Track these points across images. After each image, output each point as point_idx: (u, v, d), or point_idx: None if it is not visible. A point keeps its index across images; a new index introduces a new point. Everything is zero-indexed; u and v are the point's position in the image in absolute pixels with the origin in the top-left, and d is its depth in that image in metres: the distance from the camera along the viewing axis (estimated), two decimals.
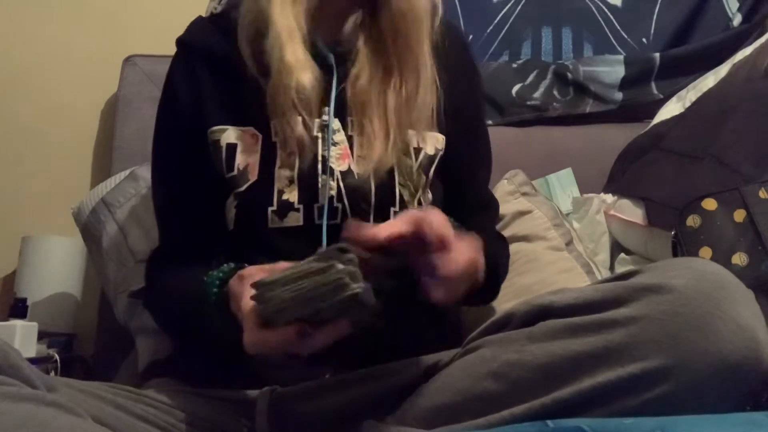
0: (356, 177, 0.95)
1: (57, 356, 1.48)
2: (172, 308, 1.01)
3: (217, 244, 1.00)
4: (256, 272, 0.80)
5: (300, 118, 0.95)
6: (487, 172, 1.15)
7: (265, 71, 0.95)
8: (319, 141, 0.95)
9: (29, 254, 1.69)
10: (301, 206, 0.94)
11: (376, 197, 0.95)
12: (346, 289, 0.70)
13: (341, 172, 0.95)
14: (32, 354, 1.38)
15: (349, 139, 0.97)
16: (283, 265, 0.77)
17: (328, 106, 0.96)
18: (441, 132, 1.02)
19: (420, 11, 0.97)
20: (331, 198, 0.94)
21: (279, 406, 0.90)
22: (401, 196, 0.96)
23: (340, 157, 0.96)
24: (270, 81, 0.94)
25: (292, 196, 0.94)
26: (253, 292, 0.74)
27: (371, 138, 0.94)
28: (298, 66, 0.93)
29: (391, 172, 0.96)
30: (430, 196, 1.01)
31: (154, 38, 1.60)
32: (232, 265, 0.88)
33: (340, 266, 0.70)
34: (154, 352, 1.27)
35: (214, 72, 0.99)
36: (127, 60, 1.73)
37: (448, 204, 1.06)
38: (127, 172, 1.46)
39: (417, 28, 0.96)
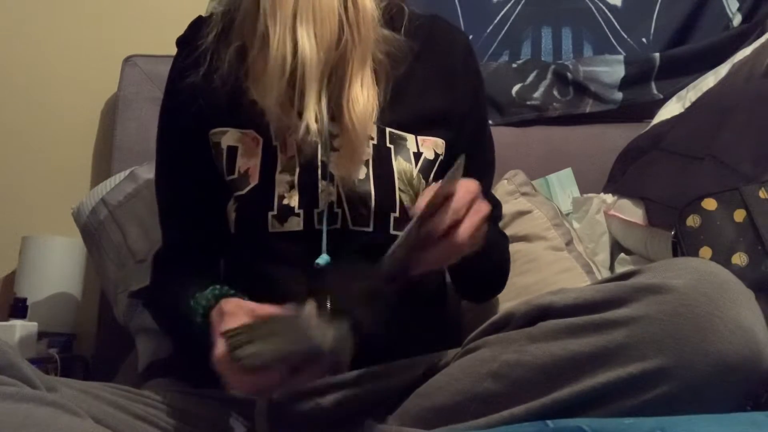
0: (356, 182, 0.95)
1: (57, 356, 1.48)
2: (167, 322, 1.04)
3: (221, 246, 1.00)
4: (234, 309, 0.81)
5: (298, 123, 0.95)
6: (491, 177, 1.15)
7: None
8: (319, 146, 0.95)
9: (29, 254, 1.69)
10: (301, 211, 0.94)
11: (376, 202, 0.94)
12: (318, 339, 0.72)
13: (341, 178, 0.95)
14: (32, 354, 1.38)
15: None
16: (264, 309, 0.80)
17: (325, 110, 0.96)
18: (441, 137, 1.02)
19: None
20: (331, 203, 0.94)
21: (278, 406, 0.90)
22: (401, 201, 0.96)
23: (340, 162, 0.96)
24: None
25: (292, 200, 0.94)
26: (223, 341, 0.75)
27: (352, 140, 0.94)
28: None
29: (391, 177, 0.96)
30: None
31: (154, 38, 1.60)
32: (216, 290, 0.89)
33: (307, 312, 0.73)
34: (154, 352, 1.27)
35: (213, 72, 0.99)
36: (127, 60, 1.73)
37: None
38: (127, 172, 1.46)
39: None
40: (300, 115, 0.91)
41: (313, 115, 0.90)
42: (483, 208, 0.83)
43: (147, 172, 1.40)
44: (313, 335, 0.72)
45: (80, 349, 1.71)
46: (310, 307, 0.74)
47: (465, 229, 0.80)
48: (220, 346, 0.76)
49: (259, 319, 0.77)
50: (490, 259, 1.03)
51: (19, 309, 1.45)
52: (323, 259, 0.90)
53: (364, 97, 0.93)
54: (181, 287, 0.96)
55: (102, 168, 1.79)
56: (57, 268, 1.69)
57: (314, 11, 0.90)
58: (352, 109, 0.92)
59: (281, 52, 0.90)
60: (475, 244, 0.83)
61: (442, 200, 0.78)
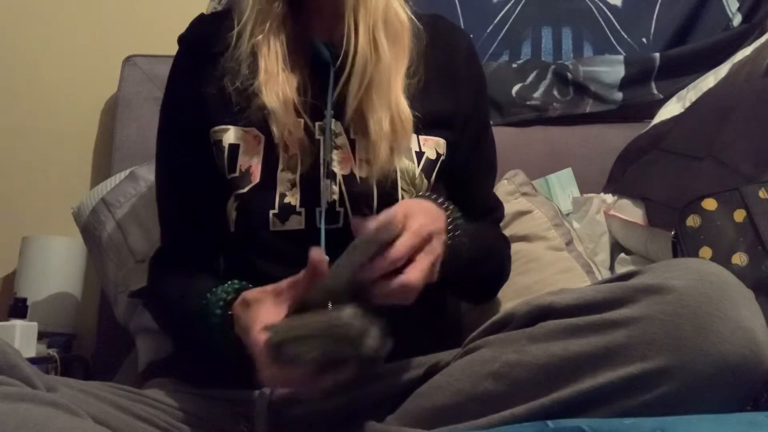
0: (359, 181, 0.95)
1: (57, 356, 1.48)
2: (174, 318, 1.01)
3: (220, 245, 1.00)
4: (259, 295, 0.81)
5: (301, 121, 0.95)
6: (494, 177, 1.15)
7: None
8: (321, 144, 0.95)
9: (29, 254, 1.69)
10: (302, 210, 0.94)
11: (379, 202, 0.94)
12: (362, 338, 0.71)
13: (344, 176, 0.95)
14: (32, 354, 1.38)
15: (351, 142, 0.97)
16: (284, 285, 0.79)
17: (326, 108, 0.96)
18: (443, 137, 1.02)
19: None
20: (333, 202, 0.94)
21: (278, 407, 0.90)
22: (404, 200, 0.95)
23: (342, 161, 0.96)
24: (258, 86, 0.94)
25: (293, 199, 0.94)
26: (262, 334, 0.75)
27: (374, 142, 0.94)
28: (276, 79, 0.94)
29: (393, 176, 0.96)
30: None
31: (154, 38, 1.60)
32: (235, 284, 0.89)
33: (349, 314, 0.71)
34: (154, 352, 1.27)
35: (215, 70, 0.98)
36: (127, 60, 1.73)
37: None
38: (127, 172, 1.46)
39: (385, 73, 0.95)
40: (301, 114, 0.92)
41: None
42: (434, 249, 0.80)
43: (147, 172, 1.40)
44: (355, 338, 0.71)
45: (80, 349, 1.71)
46: (350, 311, 0.72)
47: (413, 272, 0.77)
48: (260, 339, 0.75)
49: (300, 317, 0.76)
50: (484, 267, 1.02)
51: (19, 309, 1.45)
52: None
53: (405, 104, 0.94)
54: (187, 284, 0.95)
55: (102, 168, 1.79)
56: (57, 268, 1.69)
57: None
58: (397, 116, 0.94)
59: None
60: (428, 280, 0.80)
61: (380, 247, 0.75)
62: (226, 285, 0.89)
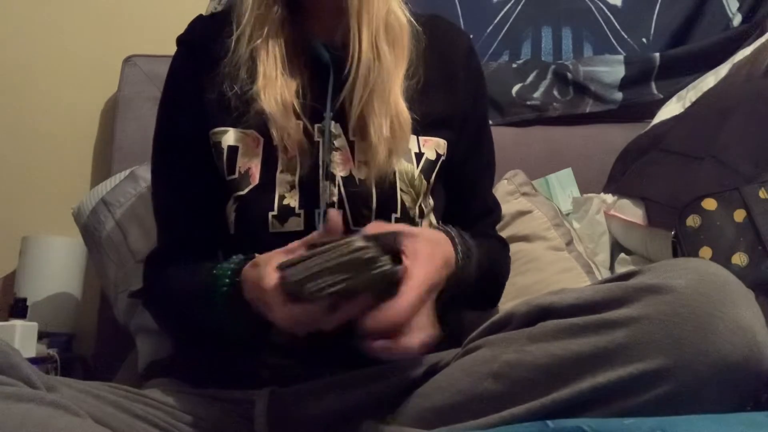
0: (357, 183, 0.95)
1: (57, 356, 1.48)
2: (175, 304, 1.00)
3: (218, 247, 1.00)
4: (272, 256, 0.80)
5: (300, 123, 0.95)
6: (492, 177, 1.15)
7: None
8: (320, 146, 0.95)
9: (29, 254, 1.69)
10: (302, 211, 0.94)
11: (378, 203, 0.94)
12: (376, 262, 0.72)
13: (343, 178, 0.95)
14: (32, 354, 1.38)
15: (351, 144, 0.97)
16: (296, 244, 0.79)
17: (326, 110, 0.96)
18: (443, 137, 1.02)
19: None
20: (332, 204, 0.94)
21: (278, 407, 0.90)
22: (403, 201, 0.96)
23: (341, 163, 0.96)
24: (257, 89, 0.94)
25: (293, 201, 0.94)
26: (276, 273, 0.75)
27: (374, 145, 0.94)
28: (274, 82, 0.94)
29: (392, 177, 0.96)
30: (431, 201, 1.00)
31: (154, 38, 1.60)
32: (241, 256, 0.88)
33: (360, 240, 0.72)
34: (154, 352, 1.27)
35: (214, 74, 0.98)
36: (127, 60, 1.73)
37: (451, 209, 1.06)
38: (127, 172, 1.46)
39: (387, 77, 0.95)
40: (300, 116, 0.92)
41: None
42: (429, 299, 0.78)
43: (147, 172, 1.39)
44: (370, 262, 0.72)
45: (80, 349, 1.71)
46: (359, 238, 0.72)
47: (415, 337, 0.75)
48: (271, 278, 0.75)
49: (311, 253, 0.75)
50: (486, 283, 1.02)
51: (19, 309, 1.45)
52: None
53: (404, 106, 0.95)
54: (190, 269, 0.95)
55: (102, 168, 1.79)
56: (57, 268, 1.69)
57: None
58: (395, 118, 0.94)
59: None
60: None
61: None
62: (234, 257, 0.89)
